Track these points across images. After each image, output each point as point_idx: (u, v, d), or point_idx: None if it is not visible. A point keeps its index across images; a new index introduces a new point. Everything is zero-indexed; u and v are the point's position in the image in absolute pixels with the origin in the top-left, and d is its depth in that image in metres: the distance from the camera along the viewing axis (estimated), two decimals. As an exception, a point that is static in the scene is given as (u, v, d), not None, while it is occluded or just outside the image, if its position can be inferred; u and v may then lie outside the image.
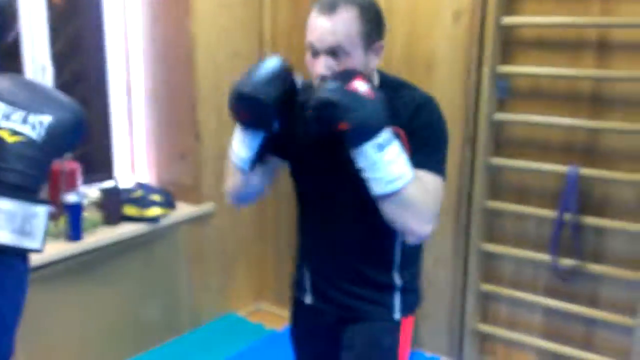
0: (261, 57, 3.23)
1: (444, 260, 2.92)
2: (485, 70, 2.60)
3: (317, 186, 1.67)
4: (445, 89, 2.72)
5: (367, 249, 1.65)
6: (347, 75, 1.42)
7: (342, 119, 1.36)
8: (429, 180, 1.49)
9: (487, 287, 2.84)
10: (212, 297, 3.34)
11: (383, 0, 2.76)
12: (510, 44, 2.63)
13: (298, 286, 1.81)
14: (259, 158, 1.63)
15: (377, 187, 1.43)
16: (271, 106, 1.48)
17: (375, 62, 1.53)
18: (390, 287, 1.67)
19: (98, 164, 3.14)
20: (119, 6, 2.98)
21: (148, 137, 3.16)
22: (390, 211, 1.46)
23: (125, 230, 2.78)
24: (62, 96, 1.00)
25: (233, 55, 3.13)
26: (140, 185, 2.98)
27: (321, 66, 1.47)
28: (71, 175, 2.65)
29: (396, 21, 2.80)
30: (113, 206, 2.79)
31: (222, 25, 3.05)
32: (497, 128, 2.72)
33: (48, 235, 2.51)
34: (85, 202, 2.71)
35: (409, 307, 1.71)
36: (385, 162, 1.40)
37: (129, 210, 2.83)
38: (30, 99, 0.94)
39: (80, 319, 2.70)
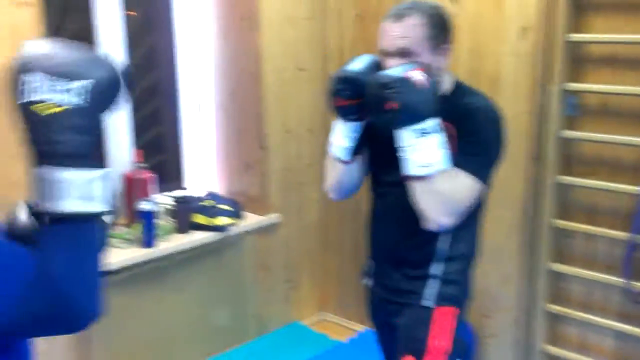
0: (326, 72, 3.29)
1: (511, 278, 2.86)
2: (553, 87, 2.53)
3: (381, 176, 1.84)
4: (510, 105, 2.65)
5: (411, 238, 1.77)
6: (408, 66, 1.57)
7: (391, 98, 1.50)
8: (463, 178, 1.60)
9: (555, 308, 2.76)
10: (278, 305, 3.41)
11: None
12: (579, 61, 2.54)
13: (365, 270, 2.01)
14: (357, 148, 1.78)
15: (408, 168, 1.57)
16: (368, 93, 1.60)
17: (443, 63, 1.69)
18: (424, 276, 1.78)
19: (170, 174, 3.28)
20: (190, 22, 3.11)
21: (217, 148, 3.27)
22: (415, 194, 1.59)
23: (195, 238, 2.88)
24: (97, 56, 1.00)
25: (298, 69, 3.20)
26: (210, 195, 3.09)
27: (392, 66, 1.61)
28: (145, 183, 2.78)
29: (461, 37, 2.75)
30: (184, 214, 2.90)
31: (288, 39, 3.12)
32: (565, 146, 2.64)
33: (124, 239, 2.66)
34: (158, 210, 2.83)
35: (447, 298, 1.79)
36: (422, 147, 1.52)
37: (199, 218, 2.93)
38: (69, 65, 0.95)
39: (151, 322, 2.82)
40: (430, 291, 1.79)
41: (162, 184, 3.01)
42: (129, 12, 2.86)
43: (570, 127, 2.60)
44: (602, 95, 2.52)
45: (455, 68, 2.74)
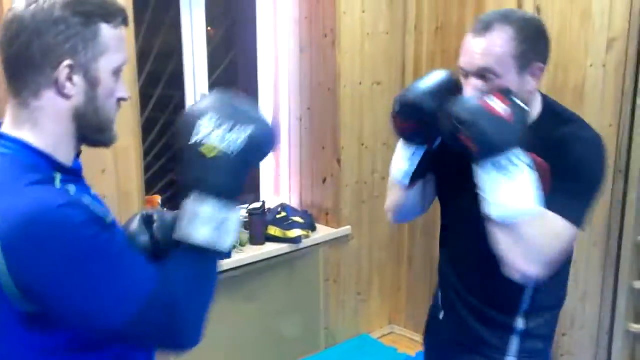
0: (402, 85, 3.30)
1: (591, 296, 2.79)
2: (641, 100, 2.48)
3: (454, 209, 1.64)
4: (596, 118, 2.61)
5: (492, 287, 1.53)
6: (489, 92, 1.36)
7: (465, 133, 1.30)
8: (558, 224, 1.35)
9: (637, 328, 2.68)
10: (348, 317, 3.42)
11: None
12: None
13: (434, 300, 1.79)
14: (420, 173, 1.61)
15: (490, 210, 1.34)
16: (430, 115, 1.43)
17: (533, 85, 1.42)
18: (509, 329, 1.56)
19: (246, 186, 3.33)
20: (269, 37, 3.17)
21: (292, 161, 3.32)
22: (496, 237, 1.36)
23: (270, 249, 2.92)
24: (256, 111, 1.09)
25: (375, 84, 3.22)
26: (284, 207, 3.12)
27: (469, 90, 1.40)
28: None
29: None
30: (259, 227, 2.93)
31: (365, 54, 3.14)
32: (653, 160, 2.57)
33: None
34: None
35: (530, 353, 1.58)
36: (506, 186, 1.30)
37: (273, 230, 2.97)
38: (234, 113, 1.05)
39: (224, 331, 2.86)
40: (513, 346, 1.57)
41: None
42: (210, 29, 2.94)
43: (658, 140, 2.54)
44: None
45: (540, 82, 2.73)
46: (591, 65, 2.63)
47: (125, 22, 1.07)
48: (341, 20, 2.99)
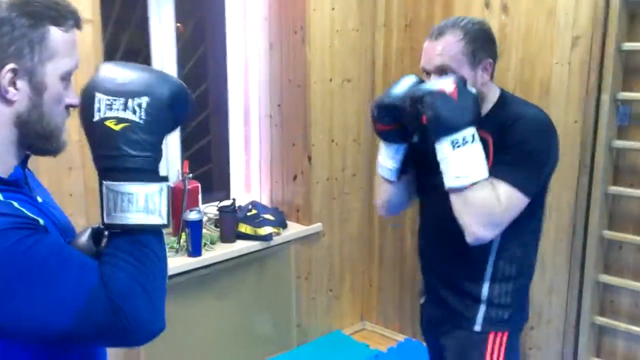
0: (372, 82, 3.31)
1: (558, 290, 2.84)
2: (605, 97, 2.52)
3: (429, 194, 1.82)
4: (561, 114, 2.66)
5: (460, 258, 1.72)
6: (442, 79, 1.58)
7: (422, 112, 1.52)
8: (503, 190, 1.55)
9: (603, 320, 2.73)
10: (320, 314, 3.42)
11: (498, 25, 2.78)
12: (631, 70, 2.53)
13: (419, 290, 2.00)
14: (404, 169, 1.79)
15: (447, 181, 1.55)
16: (406, 115, 1.61)
17: (486, 78, 1.66)
18: (476, 299, 1.74)
19: (216, 184, 3.32)
20: (239, 34, 3.15)
21: (263, 158, 3.31)
22: (455, 206, 1.57)
23: (240, 247, 2.90)
24: (157, 73, 1.04)
25: (345, 81, 3.22)
26: (255, 205, 3.11)
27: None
28: (192, 193, 2.81)
29: (512, 47, 2.77)
30: (229, 224, 2.92)
31: (335, 51, 3.15)
32: (616, 155, 2.62)
33: (171, 250, 2.70)
34: (204, 219, 2.87)
35: (497, 322, 1.74)
36: (457, 159, 1.51)
37: (244, 228, 2.96)
38: (127, 84, 0.99)
39: (196, 330, 2.85)
40: (481, 315, 1.74)
41: (208, 193, 3.04)
42: (179, 26, 2.91)
43: (621, 136, 2.59)
44: (654, 105, 2.51)
45: (506, 78, 2.77)
46: (557, 63, 2.67)
47: (77, 25, 1.02)
48: (311, 17, 2.99)
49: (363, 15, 3.24)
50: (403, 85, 1.66)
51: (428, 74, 1.66)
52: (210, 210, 3.07)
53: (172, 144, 2.92)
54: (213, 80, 3.26)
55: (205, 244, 2.79)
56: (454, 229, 1.60)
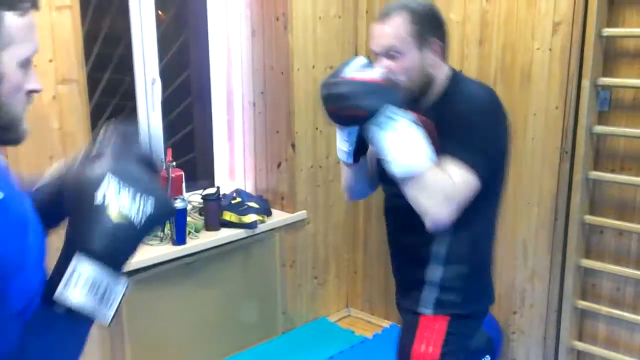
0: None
1: (540, 274, 2.87)
2: (585, 82, 2.54)
3: (384, 176, 1.75)
4: (542, 100, 2.68)
5: (406, 244, 1.78)
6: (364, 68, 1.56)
7: (342, 106, 1.51)
8: (454, 169, 1.53)
9: (585, 304, 2.76)
10: (305, 301, 3.44)
11: (480, 12, 2.78)
12: (611, 56, 2.55)
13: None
14: (360, 150, 1.73)
15: (391, 168, 1.52)
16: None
17: (434, 59, 1.64)
18: (420, 282, 1.75)
19: (200, 172, 3.31)
20: (221, 21, 3.13)
21: (247, 146, 3.30)
22: (410, 194, 1.54)
23: (225, 235, 2.91)
24: (155, 180, 1.03)
25: (329, 68, 3.21)
26: (239, 193, 3.11)
27: (380, 67, 1.61)
28: (176, 182, 2.80)
29: (493, 33, 2.78)
30: (214, 212, 2.92)
31: (318, 38, 3.14)
32: (597, 141, 2.65)
33: (155, 238, 2.69)
34: (188, 207, 2.86)
35: (444, 305, 1.73)
36: (393, 141, 1.49)
37: (228, 216, 2.96)
38: (138, 180, 0.97)
39: (181, 317, 2.85)
40: (426, 297, 1.74)
41: (192, 181, 3.03)
42: (161, 13, 2.89)
43: (602, 122, 2.61)
44: (634, 90, 2.53)
45: (488, 63, 2.79)
46: (538, 49, 2.69)
47: (35, 5, 0.96)
48: (292, 4, 2.98)
49: (345, 2, 3.23)
50: (352, 67, 1.61)
51: (377, 55, 1.65)
52: (194, 198, 3.06)
53: (155, 132, 2.90)
54: (195, 67, 3.24)
55: (189, 232, 2.79)
56: (406, 216, 1.59)
